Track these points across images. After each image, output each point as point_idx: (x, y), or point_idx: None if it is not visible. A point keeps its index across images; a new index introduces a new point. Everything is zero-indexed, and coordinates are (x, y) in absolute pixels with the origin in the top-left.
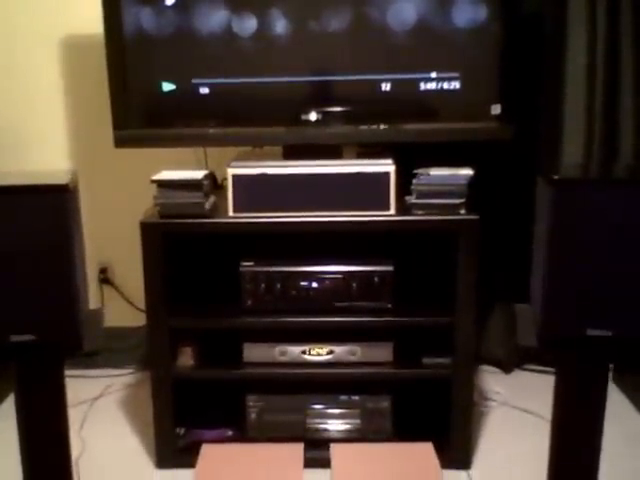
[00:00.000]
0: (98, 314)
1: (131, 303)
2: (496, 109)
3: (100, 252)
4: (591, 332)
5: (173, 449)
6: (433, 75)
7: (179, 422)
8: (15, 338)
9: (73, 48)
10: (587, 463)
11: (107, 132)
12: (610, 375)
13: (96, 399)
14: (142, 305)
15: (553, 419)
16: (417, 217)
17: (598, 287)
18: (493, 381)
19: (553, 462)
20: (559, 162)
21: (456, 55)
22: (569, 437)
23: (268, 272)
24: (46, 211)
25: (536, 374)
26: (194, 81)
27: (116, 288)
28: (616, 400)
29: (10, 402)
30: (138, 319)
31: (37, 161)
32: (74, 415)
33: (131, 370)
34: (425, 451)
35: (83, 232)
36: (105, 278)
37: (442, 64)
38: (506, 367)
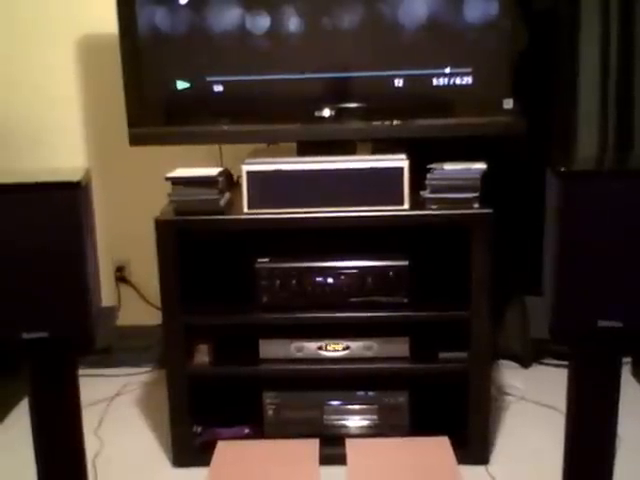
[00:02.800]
0: (111, 311)
1: (147, 301)
2: (509, 103)
3: (116, 250)
4: (602, 323)
5: (190, 447)
6: (447, 71)
7: (196, 420)
8: (27, 335)
9: (88, 48)
10: (603, 455)
11: (122, 130)
12: (629, 369)
13: (113, 398)
14: (159, 303)
15: (567, 411)
16: (431, 212)
17: (608, 279)
18: (511, 376)
19: (568, 455)
20: (572, 155)
21: (468, 50)
22: (583, 429)
23: (284, 268)
24: (58, 208)
25: (554, 368)
26: (208, 79)
27: (132, 286)
28: (635, 394)
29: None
30: (155, 317)
31: (53, 159)
32: (91, 414)
33: (148, 368)
34: (441, 446)
35: (97, 230)
36: (121, 276)
37: (454, 59)
38: (524, 361)
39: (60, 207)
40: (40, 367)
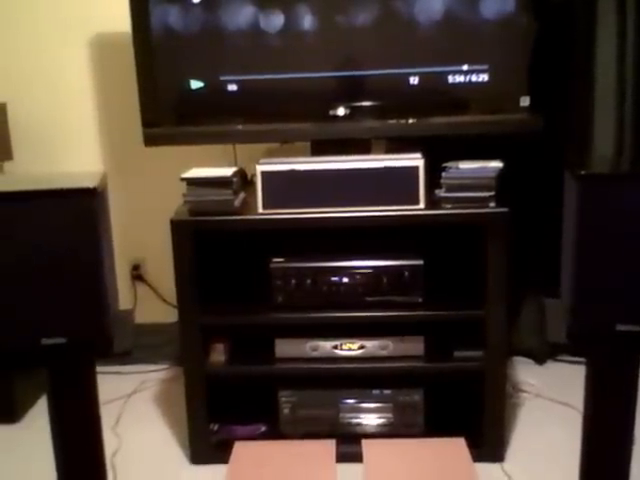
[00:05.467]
0: (129, 315)
1: (164, 300)
2: (525, 101)
3: (133, 249)
4: (620, 327)
5: (207, 445)
6: (464, 68)
7: (212, 418)
8: (46, 341)
9: (101, 48)
10: (620, 455)
11: (137, 131)
12: None
13: (130, 395)
14: (174, 301)
15: (585, 414)
16: (447, 211)
17: (627, 282)
18: (526, 373)
19: (585, 455)
20: (589, 155)
21: (484, 47)
22: (600, 430)
23: (299, 268)
24: (74, 215)
25: (569, 365)
26: (222, 78)
27: (149, 285)
28: None
29: (44, 401)
30: (171, 315)
31: (68, 161)
32: (109, 411)
33: (165, 366)
34: (457, 447)
35: (112, 234)
36: (138, 275)
37: (470, 57)
38: (539, 358)
39: (77, 213)
40: (59, 372)
